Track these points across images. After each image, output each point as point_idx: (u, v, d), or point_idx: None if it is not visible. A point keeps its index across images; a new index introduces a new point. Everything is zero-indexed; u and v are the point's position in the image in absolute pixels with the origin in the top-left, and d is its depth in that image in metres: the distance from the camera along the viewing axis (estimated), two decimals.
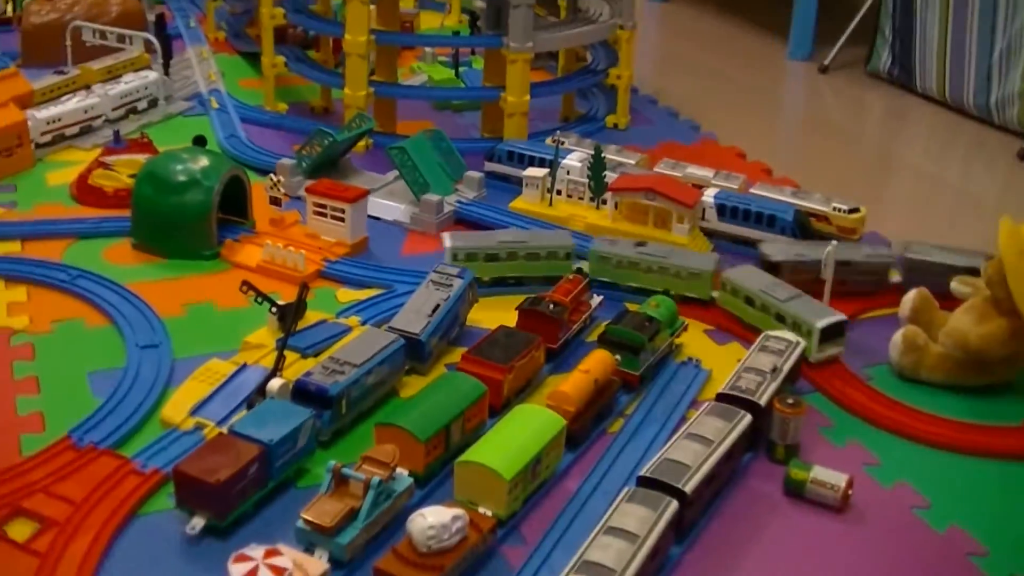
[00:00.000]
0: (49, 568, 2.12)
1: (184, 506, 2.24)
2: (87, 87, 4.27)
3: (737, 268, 3.06)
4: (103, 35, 4.48)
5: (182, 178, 3.26)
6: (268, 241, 3.22)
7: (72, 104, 4.10)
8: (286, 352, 2.64)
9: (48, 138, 4.00)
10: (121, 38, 4.47)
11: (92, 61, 4.48)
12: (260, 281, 2.94)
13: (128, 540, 2.24)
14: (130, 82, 4.31)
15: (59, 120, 4.03)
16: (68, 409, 2.59)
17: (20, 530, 2.23)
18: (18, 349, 2.85)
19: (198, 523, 2.21)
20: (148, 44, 4.47)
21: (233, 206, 3.36)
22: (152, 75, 4.39)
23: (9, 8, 5.41)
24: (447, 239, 3.12)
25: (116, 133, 3.95)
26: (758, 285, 2.98)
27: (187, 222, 3.24)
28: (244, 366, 2.68)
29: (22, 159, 3.87)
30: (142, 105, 4.31)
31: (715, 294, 3.05)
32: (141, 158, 3.68)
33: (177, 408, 2.55)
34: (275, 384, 2.51)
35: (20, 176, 3.82)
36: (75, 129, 4.08)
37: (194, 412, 2.54)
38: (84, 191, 3.66)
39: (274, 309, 2.79)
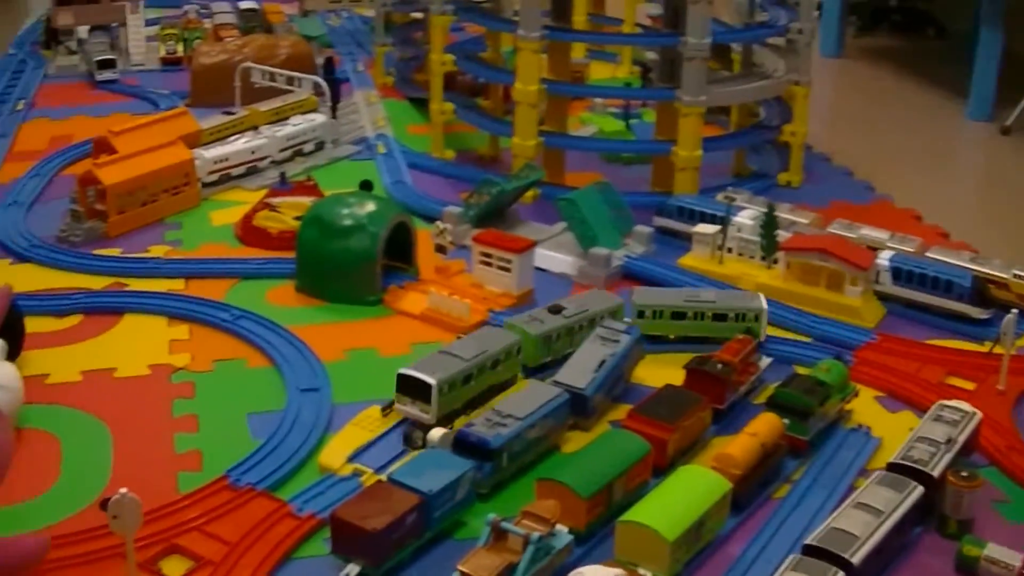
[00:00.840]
0: None
1: (339, 552, 2.27)
2: (254, 128, 4.38)
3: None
4: (272, 77, 4.59)
5: (348, 222, 3.32)
6: (432, 289, 3.26)
7: (239, 144, 4.21)
8: None
9: (214, 177, 4.10)
10: (290, 80, 4.56)
11: (260, 103, 4.58)
12: (424, 330, 2.98)
13: None
14: (297, 124, 4.41)
15: (226, 160, 4.14)
16: (226, 449, 2.64)
17: (174, 567, 2.28)
18: (179, 387, 2.93)
19: (353, 570, 2.24)
20: (317, 87, 4.57)
21: (398, 252, 3.40)
22: (319, 118, 4.49)
23: (180, 48, 5.57)
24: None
25: (282, 175, 4.03)
26: (676, 298, 3.11)
27: (351, 267, 3.30)
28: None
29: (189, 198, 3.98)
30: (309, 148, 4.40)
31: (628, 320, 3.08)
32: (306, 201, 3.76)
33: (336, 453, 2.59)
34: (436, 434, 2.54)
35: (186, 214, 3.92)
36: (241, 169, 4.19)
37: (352, 458, 2.58)
38: (248, 232, 3.74)
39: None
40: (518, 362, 2.88)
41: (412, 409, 2.63)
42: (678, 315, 3.11)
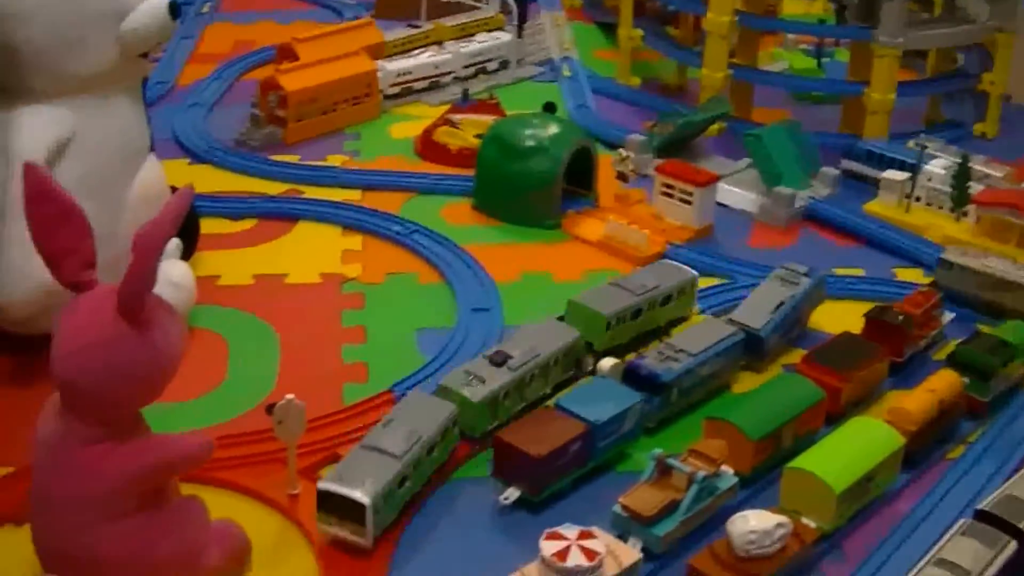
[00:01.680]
0: None
1: (500, 476, 2.28)
2: (439, 43, 4.38)
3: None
4: None
5: (530, 143, 3.31)
6: (611, 217, 3.25)
7: (423, 59, 4.22)
8: None
9: (396, 90, 4.12)
10: None
11: (446, 18, 4.58)
12: (599, 258, 2.96)
13: (439, 501, 2.29)
14: (483, 42, 4.41)
15: (409, 73, 4.16)
16: (393, 363, 2.67)
17: None
18: (349, 297, 2.96)
19: (512, 494, 2.25)
20: (504, 5, 4.56)
21: (578, 177, 3.38)
22: (505, 37, 4.48)
23: None
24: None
25: (465, 92, 4.03)
26: (624, 296, 2.72)
27: (531, 189, 3.30)
28: None
29: (369, 109, 4.00)
30: (492, 66, 4.39)
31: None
32: (487, 119, 3.75)
33: None
34: (607, 363, 2.53)
35: (365, 126, 3.95)
36: (424, 84, 4.20)
37: None
38: (427, 147, 3.75)
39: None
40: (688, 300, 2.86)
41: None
42: (637, 313, 2.74)
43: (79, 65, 2.53)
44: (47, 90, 2.53)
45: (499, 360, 2.44)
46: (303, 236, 3.27)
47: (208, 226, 3.12)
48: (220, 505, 2.14)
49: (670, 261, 2.75)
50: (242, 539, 2.07)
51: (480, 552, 2.17)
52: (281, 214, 3.36)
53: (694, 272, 2.78)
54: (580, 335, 2.61)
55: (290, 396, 2.17)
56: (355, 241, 3.23)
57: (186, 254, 2.88)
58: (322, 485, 2.11)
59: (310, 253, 3.17)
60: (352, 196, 3.46)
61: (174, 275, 2.64)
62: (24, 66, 2.49)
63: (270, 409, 2.19)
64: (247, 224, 3.32)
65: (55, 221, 1.82)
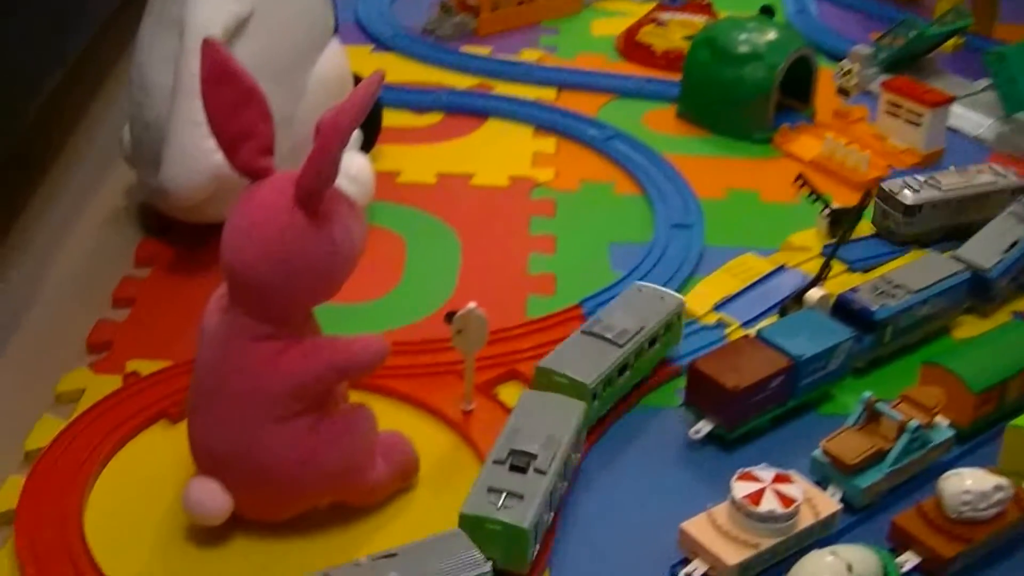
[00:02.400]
0: None
1: (692, 406, 2.26)
2: None
3: (556, 352, 2.28)
4: None
5: (744, 49, 3.25)
6: (829, 135, 3.18)
7: None
8: (833, 261, 2.60)
9: None
10: None
11: None
12: (813, 178, 2.90)
13: (623, 428, 2.28)
14: None
15: None
16: (582, 277, 2.65)
17: (512, 394, 2.29)
18: (538, 203, 2.96)
19: (704, 428, 2.22)
20: None
21: (795, 89, 3.32)
22: None
23: None
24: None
25: None
26: (607, 354, 2.26)
27: (743, 99, 3.24)
28: (782, 267, 2.67)
29: (569, 3, 3.99)
30: None
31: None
32: (698, 20, 3.71)
33: (701, 299, 2.56)
34: (815, 294, 2.48)
35: (564, 20, 3.93)
36: None
37: (719, 307, 2.55)
38: (631, 47, 3.72)
39: (828, 211, 2.76)
40: None
41: None
42: (623, 369, 2.29)
43: None
44: None
45: (522, 465, 1.99)
46: (492, 135, 3.27)
47: (390, 118, 3.13)
48: (389, 416, 2.16)
49: (647, 284, 2.43)
50: (410, 454, 2.09)
51: (663, 486, 2.16)
52: (469, 110, 3.36)
53: (679, 297, 2.41)
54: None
55: (472, 304, 2.17)
56: (548, 143, 3.22)
57: (366, 146, 2.90)
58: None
59: (499, 153, 3.17)
60: (547, 95, 3.45)
61: (352, 168, 2.66)
62: None
63: (449, 317, 2.19)
64: (432, 118, 3.33)
65: (234, 103, 1.83)
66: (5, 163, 2.64)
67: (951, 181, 2.81)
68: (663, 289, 2.41)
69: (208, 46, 1.84)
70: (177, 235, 2.72)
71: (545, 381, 2.20)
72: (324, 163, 1.76)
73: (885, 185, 2.79)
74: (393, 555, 1.82)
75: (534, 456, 1.97)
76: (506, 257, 2.75)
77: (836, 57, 3.55)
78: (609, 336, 2.26)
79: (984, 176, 2.85)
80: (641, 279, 2.59)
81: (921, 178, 2.80)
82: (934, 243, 2.76)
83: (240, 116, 1.83)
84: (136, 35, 2.67)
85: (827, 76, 3.38)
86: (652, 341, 2.32)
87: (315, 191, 1.78)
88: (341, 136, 1.74)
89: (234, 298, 1.87)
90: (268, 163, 1.85)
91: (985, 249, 2.64)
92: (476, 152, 3.18)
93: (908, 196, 2.75)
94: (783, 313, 2.51)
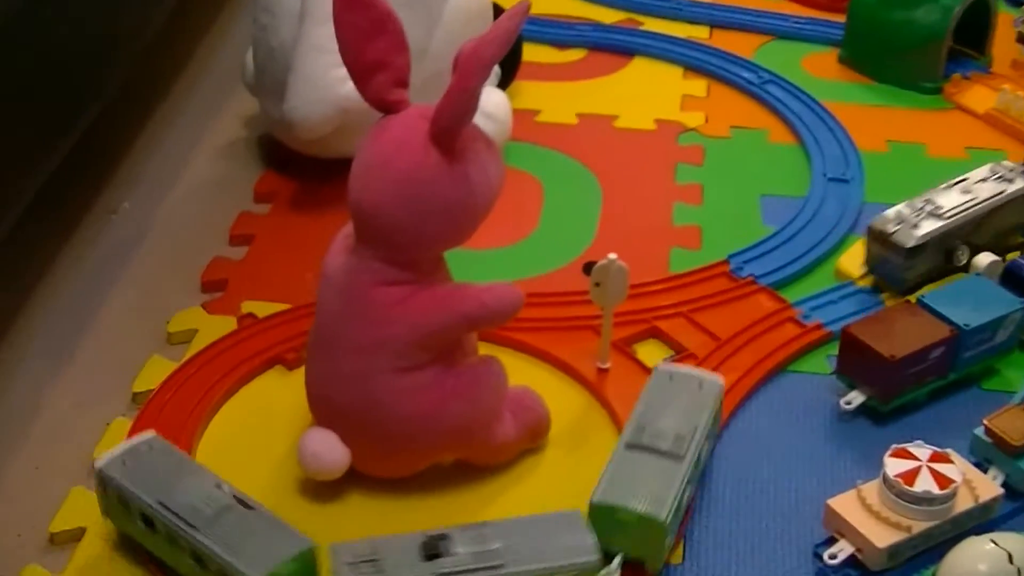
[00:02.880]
0: None
1: (844, 375, 2.22)
2: None
3: (608, 478, 1.91)
4: None
5: None
6: (1006, 86, 3.10)
7: None
8: None
9: None
10: None
11: None
12: (985, 134, 2.85)
13: (769, 393, 2.25)
14: None
15: None
16: (731, 231, 2.63)
17: (650, 353, 2.29)
18: (686, 150, 2.93)
19: (856, 399, 2.19)
20: None
21: (969, 36, 3.25)
22: None
23: None
24: None
25: None
26: (673, 473, 1.93)
27: (913, 44, 3.17)
28: None
29: None
30: None
31: None
32: None
33: (859, 259, 2.51)
34: (984, 259, 2.43)
35: None
36: None
37: (875, 269, 2.51)
38: None
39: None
40: None
41: None
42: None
43: None
44: None
45: (659, 448, 1.92)
46: (638, 74, 3.24)
47: (530, 53, 3.12)
48: (519, 371, 2.16)
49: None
50: (541, 412, 2.08)
51: (809, 459, 2.13)
52: (614, 47, 3.34)
53: (717, 379, 2.12)
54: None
55: (612, 256, 2.14)
56: (698, 86, 3.19)
57: (504, 82, 2.89)
58: None
59: (645, 95, 3.14)
60: (698, 33, 3.42)
61: (489, 105, 2.65)
62: None
63: (588, 268, 2.17)
64: (575, 55, 3.31)
65: (368, 30, 1.82)
66: (118, 92, 2.66)
67: (951, 201, 2.49)
68: (693, 370, 2.14)
69: None
70: (300, 170, 2.73)
71: (605, 520, 1.84)
72: (463, 98, 1.74)
73: (875, 224, 2.46)
74: (496, 525, 1.83)
75: (670, 440, 1.94)
76: (649, 206, 2.72)
77: (1019, 2, 3.48)
78: (664, 448, 1.93)
79: (987, 184, 2.55)
80: (794, 236, 2.57)
81: (918, 203, 2.49)
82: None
83: (374, 44, 1.82)
84: None
85: (1007, 22, 3.31)
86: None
87: (452, 128, 1.77)
88: (482, 70, 1.72)
89: (360, 239, 1.87)
90: (402, 96, 1.84)
91: None
92: (621, 92, 3.16)
93: (907, 236, 2.42)
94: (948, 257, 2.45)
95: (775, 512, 2.01)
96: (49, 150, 2.36)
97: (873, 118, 3.07)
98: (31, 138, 2.27)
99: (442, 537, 1.79)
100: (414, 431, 1.90)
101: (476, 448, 1.99)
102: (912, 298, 2.33)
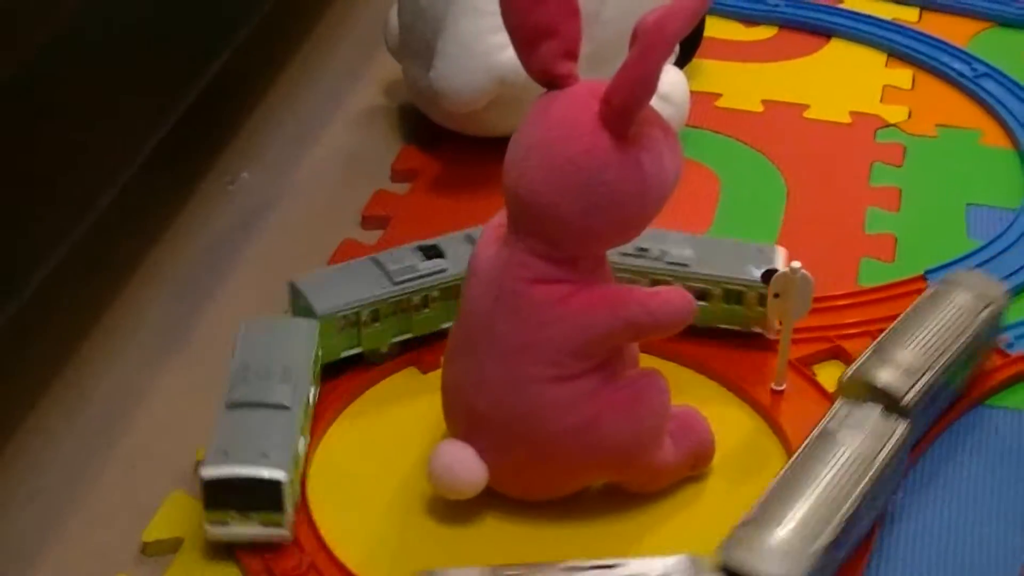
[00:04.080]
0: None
1: None
2: None
3: None
4: None
5: None
6: None
7: None
8: None
9: None
10: None
11: None
12: None
13: (968, 432, 2.24)
14: None
15: None
16: (931, 241, 2.63)
17: (831, 375, 2.27)
18: (884, 148, 2.93)
19: None
20: None
21: None
22: None
23: None
24: None
25: None
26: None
27: None
28: None
29: None
30: None
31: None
32: None
33: None
34: None
35: None
36: None
37: None
38: None
39: None
40: None
41: None
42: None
43: None
44: None
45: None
46: (835, 59, 3.26)
47: (713, 28, 3.14)
48: (684, 389, 2.17)
49: None
50: (706, 435, 2.08)
51: (1012, 507, 2.12)
52: (810, 26, 3.35)
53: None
54: None
55: (795, 264, 2.15)
56: (903, 76, 3.19)
57: (682, 60, 2.91)
58: None
59: (841, 83, 3.15)
60: (907, 16, 3.41)
61: (664, 85, 2.61)
62: None
63: (767, 277, 2.19)
64: (764, 32, 3.34)
65: None
66: (241, 45, 2.70)
67: (938, 343, 2.24)
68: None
69: None
70: (446, 147, 2.76)
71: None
72: (642, 76, 1.75)
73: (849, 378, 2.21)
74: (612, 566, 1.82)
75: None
76: (839, 210, 2.73)
77: None
78: None
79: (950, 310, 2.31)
80: (1003, 252, 2.58)
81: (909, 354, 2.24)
82: None
83: (541, 7, 1.82)
84: None
85: None
86: None
87: (627, 110, 1.77)
88: (666, 45, 1.73)
89: (516, 231, 1.88)
90: (570, 69, 1.85)
91: None
92: (814, 78, 3.17)
93: (897, 388, 2.15)
94: None
95: (968, 565, 2.01)
96: (167, 110, 2.40)
97: None
98: (150, 95, 2.33)
99: None
100: (566, 447, 1.90)
101: (632, 471, 1.99)
102: None
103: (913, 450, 2.13)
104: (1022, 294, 2.52)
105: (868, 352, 2.16)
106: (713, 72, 3.11)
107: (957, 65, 3.20)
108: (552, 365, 1.87)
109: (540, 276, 1.86)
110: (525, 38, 1.84)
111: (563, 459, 1.93)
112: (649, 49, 1.73)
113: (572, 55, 1.86)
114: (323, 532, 1.94)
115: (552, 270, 1.86)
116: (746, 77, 3.14)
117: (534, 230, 1.86)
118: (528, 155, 1.83)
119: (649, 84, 1.76)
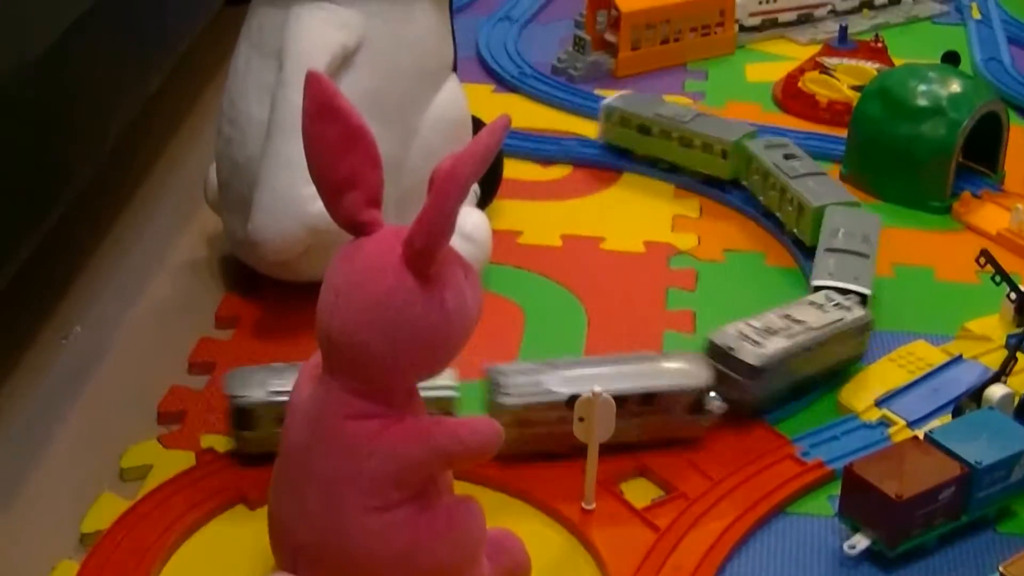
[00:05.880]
0: (666, 546, 2.18)
1: (848, 517, 2.24)
2: None
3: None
4: None
5: (923, 103, 3.25)
6: (1020, 205, 3.15)
7: None
8: (1019, 355, 2.58)
9: (757, 21, 4.13)
10: None
11: None
12: (999, 255, 2.89)
13: (769, 538, 2.27)
14: None
15: (774, 1, 4.13)
16: None
17: (639, 493, 2.31)
18: (677, 274, 2.98)
19: (860, 543, 2.20)
20: None
21: (981, 151, 3.32)
22: None
23: None
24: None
25: (843, 29, 4.00)
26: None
27: (919, 160, 3.24)
28: (958, 359, 2.64)
29: (721, 43, 4.02)
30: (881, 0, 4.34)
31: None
32: (870, 67, 3.73)
33: (862, 392, 2.55)
34: (996, 392, 2.46)
35: (714, 63, 3.96)
36: (792, 16, 4.20)
37: (882, 402, 2.53)
38: (790, 95, 3.74)
39: (1013, 296, 2.74)
40: None
41: None
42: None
43: None
44: None
45: None
46: (626, 193, 3.30)
47: (511, 169, 3.17)
48: (497, 511, 2.17)
49: None
50: (521, 556, 2.09)
51: None
52: (602, 163, 3.40)
53: None
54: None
55: (598, 388, 2.17)
56: (691, 205, 3.24)
57: (483, 201, 2.92)
58: None
59: (634, 215, 3.20)
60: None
61: (467, 225, 2.68)
62: None
63: (570, 402, 2.21)
64: (560, 171, 3.37)
65: (340, 145, 1.85)
66: (69, 207, 2.67)
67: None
68: None
69: (312, 79, 1.86)
70: (265, 293, 2.76)
71: None
72: (439, 219, 1.77)
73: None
74: None
75: None
76: (638, 334, 2.75)
77: None
78: None
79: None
80: None
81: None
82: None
83: (345, 160, 1.85)
84: (230, 62, 2.72)
85: (1019, 136, 3.37)
86: None
87: (427, 251, 1.79)
88: (459, 189, 1.75)
89: (329, 369, 1.89)
90: (374, 216, 1.87)
91: None
92: (608, 212, 3.21)
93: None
94: (958, 413, 2.48)
95: None
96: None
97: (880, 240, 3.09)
98: None
99: None
100: (385, 575, 1.90)
101: None
102: (921, 434, 2.36)
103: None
104: (815, 404, 2.56)
105: None
106: (514, 211, 3.13)
107: (739, 192, 3.26)
108: (369, 496, 1.86)
109: (354, 412, 1.87)
110: (330, 189, 1.87)
111: None
112: (444, 194, 1.76)
113: (376, 203, 1.88)
114: None
115: (366, 405, 1.87)
116: (545, 214, 3.17)
117: (346, 368, 1.86)
118: (337, 297, 1.85)
119: (447, 226, 1.79)
